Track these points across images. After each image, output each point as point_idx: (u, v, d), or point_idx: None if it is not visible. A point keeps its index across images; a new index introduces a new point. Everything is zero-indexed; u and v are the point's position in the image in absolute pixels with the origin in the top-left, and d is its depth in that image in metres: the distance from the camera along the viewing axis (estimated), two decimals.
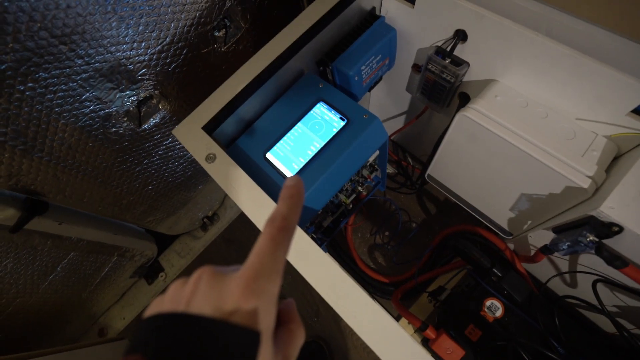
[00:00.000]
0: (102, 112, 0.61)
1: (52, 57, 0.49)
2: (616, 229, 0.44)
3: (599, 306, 0.54)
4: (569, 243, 0.51)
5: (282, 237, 0.20)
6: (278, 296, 0.19)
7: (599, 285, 0.54)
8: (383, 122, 1.00)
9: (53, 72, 0.51)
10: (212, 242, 1.13)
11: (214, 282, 0.19)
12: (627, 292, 0.51)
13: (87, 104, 0.58)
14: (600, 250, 0.46)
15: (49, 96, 0.53)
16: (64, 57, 0.51)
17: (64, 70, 0.52)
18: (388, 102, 0.90)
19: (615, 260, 0.45)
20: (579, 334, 0.61)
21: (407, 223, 0.97)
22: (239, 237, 1.12)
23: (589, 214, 0.46)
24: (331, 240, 1.00)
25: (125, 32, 0.55)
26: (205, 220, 1.15)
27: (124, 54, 0.57)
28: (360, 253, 0.97)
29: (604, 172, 0.49)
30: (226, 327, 0.17)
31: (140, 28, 0.57)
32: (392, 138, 0.98)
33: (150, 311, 0.20)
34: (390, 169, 1.03)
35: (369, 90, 0.72)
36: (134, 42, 0.57)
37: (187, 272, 1.12)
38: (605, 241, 0.47)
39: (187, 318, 0.18)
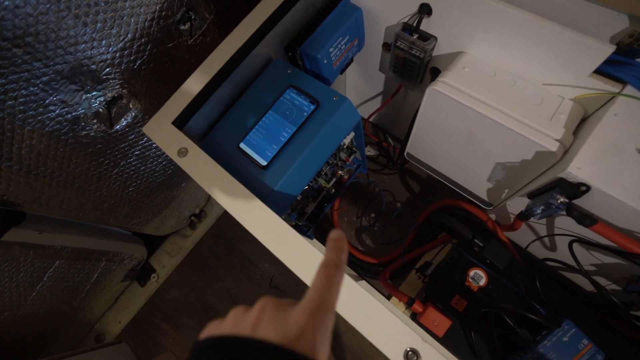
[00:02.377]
0: (70, 115, 0.60)
1: (6, 62, 0.48)
2: (584, 188, 0.45)
3: (577, 266, 0.56)
4: (542, 207, 0.52)
5: (336, 277, 0.23)
6: (332, 329, 0.21)
7: (575, 246, 0.56)
8: (360, 104, 1.00)
9: (10, 77, 0.49)
10: (201, 239, 1.13)
11: (280, 310, 0.21)
12: (601, 250, 0.52)
13: (52, 108, 0.57)
14: (571, 211, 0.47)
15: (9, 102, 0.52)
16: (19, 60, 0.49)
17: (22, 74, 0.50)
18: (363, 83, 0.90)
19: (585, 219, 0.47)
20: (560, 294, 0.63)
21: (392, 203, 0.98)
22: (227, 232, 1.12)
23: (559, 176, 0.47)
24: (318, 227, 1.01)
25: (82, 31, 0.54)
26: (192, 218, 1.15)
27: (85, 53, 0.56)
28: (348, 237, 0.98)
29: (571, 135, 0.50)
30: (291, 354, 0.18)
31: (99, 25, 0.55)
32: (370, 120, 0.98)
33: (208, 333, 0.21)
34: (371, 151, 1.04)
35: (341, 73, 0.72)
36: (93, 40, 0.56)
37: (178, 270, 1.12)
38: (575, 201, 0.48)
39: (254, 342, 0.19)
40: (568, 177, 0.46)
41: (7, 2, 0.43)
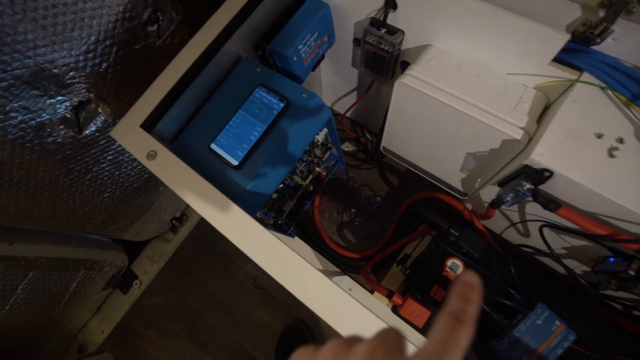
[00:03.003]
0: (33, 122, 0.58)
1: None
2: (547, 174, 0.46)
3: (548, 250, 0.57)
4: (511, 194, 0.53)
5: (461, 335, 0.18)
6: None
7: (546, 231, 0.57)
8: (337, 100, 1.00)
9: None
10: (182, 243, 1.11)
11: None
12: (569, 233, 0.54)
13: (14, 114, 0.55)
14: (536, 196, 0.48)
15: None
16: None
17: None
18: (337, 80, 0.90)
19: (550, 203, 0.48)
20: (534, 279, 0.64)
21: (371, 197, 0.99)
22: (208, 234, 1.11)
23: (523, 163, 0.48)
24: (299, 225, 1.01)
25: (41, 34, 0.52)
26: (174, 221, 1.13)
27: (45, 57, 0.54)
28: (330, 233, 0.98)
29: (535, 123, 0.51)
30: None
31: (58, 28, 0.54)
32: (347, 115, 0.98)
33: None
34: (350, 147, 1.04)
35: (313, 70, 0.72)
36: (54, 44, 0.54)
37: (161, 275, 1.10)
38: (541, 187, 0.49)
39: None
40: (532, 163, 0.47)
41: None
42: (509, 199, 0.54)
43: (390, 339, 0.18)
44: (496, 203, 0.59)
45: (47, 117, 0.60)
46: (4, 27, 0.47)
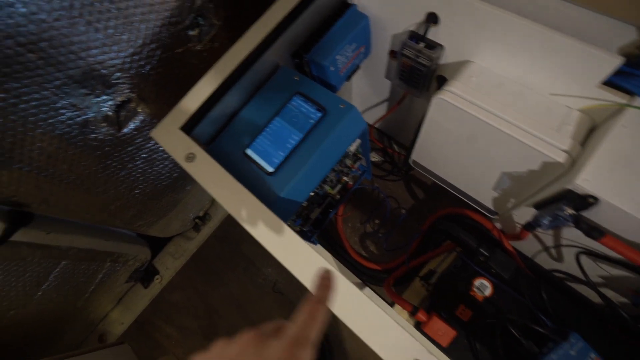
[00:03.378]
0: (80, 118, 0.61)
1: (20, 66, 0.49)
2: (592, 200, 0.45)
3: (584, 278, 0.55)
4: (549, 218, 0.51)
5: (319, 313, 0.24)
6: None
7: (583, 257, 0.55)
8: (366, 110, 1.00)
9: (24, 82, 0.50)
10: (205, 242, 1.13)
11: (260, 345, 0.22)
12: (609, 262, 0.52)
13: (63, 111, 0.58)
14: (579, 223, 0.47)
15: (22, 106, 0.52)
16: (33, 65, 0.50)
17: (35, 78, 0.51)
18: (369, 90, 0.90)
19: (593, 231, 0.46)
20: (566, 306, 0.62)
21: (396, 210, 0.98)
22: (231, 235, 1.12)
23: (566, 187, 0.47)
24: (322, 232, 1.01)
25: (94, 37, 0.55)
26: (197, 220, 1.15)
27: (96, 58, 0.57)
28: (352, 243, 0.98)
29: (579, 145, 0.50)
30: None
31: (110, 31, 0.56)
32: (376, 126, 0.98)
33: None
34: (376, 157, 1.04)
35: (347, 80, 0.72)
36: (104, 46, 0.57)
37: (182, 273, 1.12)
38: (583, 213, 0.48)
39: None
40: (576, 188, 0.46)
41: (22, 9, 0.44)
42: (546, 222, 0.53)
43: (256, 332, 0.24)
44: (532, 226, 0.57)
45: (92, 114, 0.62)
46: (63, 29, 0.50)
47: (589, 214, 0.47)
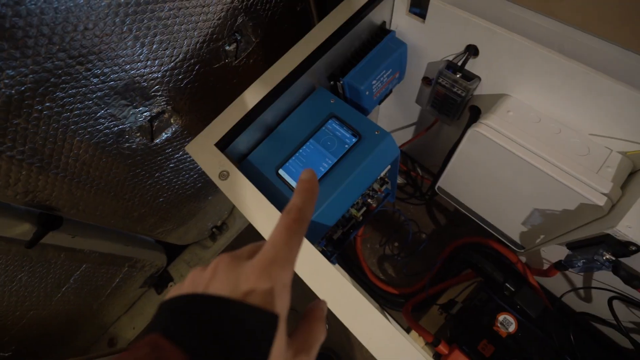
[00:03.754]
0: (116, 128, 0.62)
1: (69, 77, 0.50)
2: (633, 248, 0.44)
3: (615, 322, 0.53)
4: (584, 260, 0.50)
5: (296, 227, 0.21)
6: (290, 284, 0.20)
7: (616, 302, 0.54)
8: (392, 132, 1.00)
9: (70, 92, 0.52)
10: (222, 252, 1.13)
11: (233, 265, 0.20)
12: None
13: (102, 121, 0.59)
14: (618, 270, 0.46)
15: (65, 115, 0.54)
16: (80, 76, 0.51)
17: (80, 89, 0.53)
18: (397, 113, 0.90)
19: (634, 280, 0.45)
20: (594, 350, 0.60)
21: (416, 234, 0.97)
22: None
23: (606, 232, 0.46)
24: (340, 252, 1.00)
25: (140, 51, 0.56)
26: (214, 230, 1.16)
27: (139, 71, 0.58)
28: (370, 264, 0.97)
29: (619, 189, 0.49)
30: (242, 306, 0.18)
31: (155, 46, 0.57)
32: (401, 149, 0.97)
33: (170, 295, 0.21)
34: (399, 180, 1.03)
35: (379, 104, 0.72)
36: (148, 60, 0.58)
37: None
38: (623, 260, 0.46)
39: (206, 297, 0.19)
40: (616, 235, 0.45)
41: (80, 25, 0.45)
42: (580, 264, 0.52)
43: (230, 254, 0.22)
44: (563, 266, 0.56)
45: (129, 124, 0.63)
46: (112, 44, 0.51)
47: (629, 261, 0.46)
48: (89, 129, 0.58)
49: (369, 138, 0.55)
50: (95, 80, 0.54)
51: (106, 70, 0.54)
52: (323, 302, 0.25)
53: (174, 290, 0.21)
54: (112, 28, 0.50)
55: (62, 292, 0.80)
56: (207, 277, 0.20)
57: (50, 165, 0.57)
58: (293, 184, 0.55)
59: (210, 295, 0.19)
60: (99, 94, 0.56)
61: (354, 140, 0.55)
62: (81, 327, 0.97)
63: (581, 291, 0.64)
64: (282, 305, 0.19)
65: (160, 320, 0.18)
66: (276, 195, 0.55)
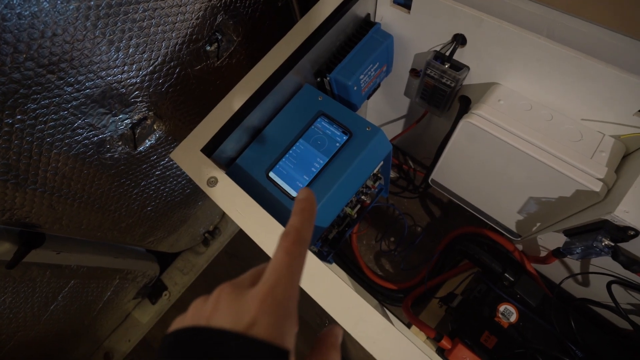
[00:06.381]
0: (96, 138, 0.59)
1: (40, 87, 0.47)
2: (632, 232, 0.43)
3: (615, 306, 0.53)
4: (582, 247, 0.50)
5: (296, 250, 0.20)
6: (295, 312, 0.19)
7: (614, 286, 0.54)
8: (381, 126, 0.99)
9: (42, 102, 0.49)
10: (216, 258, 1.11)
11: (233, 297, 0.20)
12: None
13: (80, 131, 0.56)
14: (617, 255, 0.45)
15: (39, 127, 0.51)
16: (52, 86, 0.49)
17: (54, 99, 0.50)
18: (386, 107, 0.89)
19: (633, 264, 0.45)
20: (595, 334, 0.60)
21: (412, 227, 0.96)
22: (242, 252, 1.10)
23: (603, 218, 0.45)
24: (337, 250, 0.99)
25: (115, 56, 0.53)
26: (206, 235, 1.13)
27: (116, 77, 0.55)
28: (367, 261, 0.96)
29: (614, 173, 0.48)
30: (248, 341, 0.17)
31: (131, 50, 0.55)
32: (392, 142, 0.96)
33: (173, 327, 0.20)
34: (392, 173, 1.02)
35: (368, 98, 0.71)
36: (125, 65, 0.55)
37: (191, 289, 1.10)
38: (621, 244, 0.46)
39: (209, 331, 0.18)
40: (614, 220, 0.44)
41: (48, 31, 0.42)
42: (578, 251, 0.51)
43: (231, 283, 0.21)
44: (562, 253, 0.55)
45: (109, 134, 0.61)
46: (85, 50, 0.49)
47: (627, 246, 0.46)
48: (66, 141, 0.55)
49: (360, 135, 0.54)
50: (69, 89, 0.51)
51: (80, 77, 0.51)
52: (337, 329, 0.23)
53: (176, 323, 0.21)
54: (84, 33, 0.47)
55: (50, 311, 0.77)
56: (209, 308, 0.20)
57: (27, 180, 0.54)
58: (284, 186, 0.53)
59: (213, 328, 0.18)
60: (74, 103, 0.53)
61: (345, 138, 0.54)
62: (74, 344, 0.94)
63: (579, 277, 0.64)
64: (289, 338, 0.18)
65: (163, 354, 0.18)
66: (268, 199, 0.53)
